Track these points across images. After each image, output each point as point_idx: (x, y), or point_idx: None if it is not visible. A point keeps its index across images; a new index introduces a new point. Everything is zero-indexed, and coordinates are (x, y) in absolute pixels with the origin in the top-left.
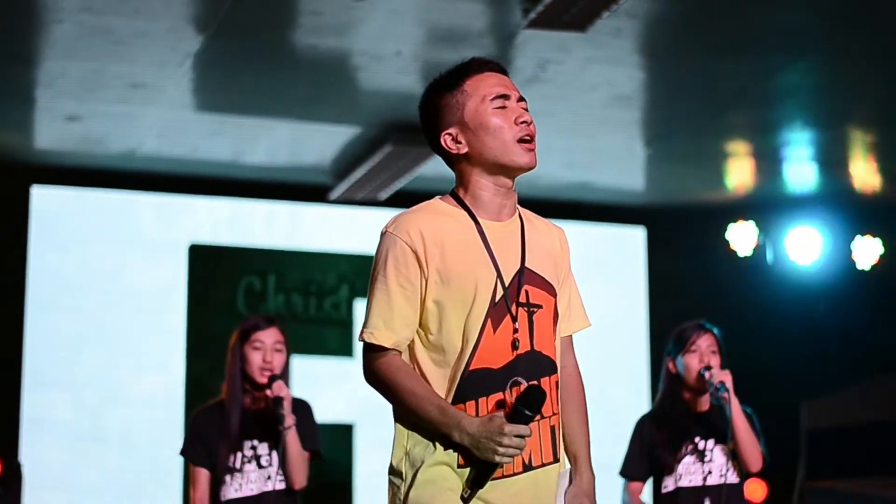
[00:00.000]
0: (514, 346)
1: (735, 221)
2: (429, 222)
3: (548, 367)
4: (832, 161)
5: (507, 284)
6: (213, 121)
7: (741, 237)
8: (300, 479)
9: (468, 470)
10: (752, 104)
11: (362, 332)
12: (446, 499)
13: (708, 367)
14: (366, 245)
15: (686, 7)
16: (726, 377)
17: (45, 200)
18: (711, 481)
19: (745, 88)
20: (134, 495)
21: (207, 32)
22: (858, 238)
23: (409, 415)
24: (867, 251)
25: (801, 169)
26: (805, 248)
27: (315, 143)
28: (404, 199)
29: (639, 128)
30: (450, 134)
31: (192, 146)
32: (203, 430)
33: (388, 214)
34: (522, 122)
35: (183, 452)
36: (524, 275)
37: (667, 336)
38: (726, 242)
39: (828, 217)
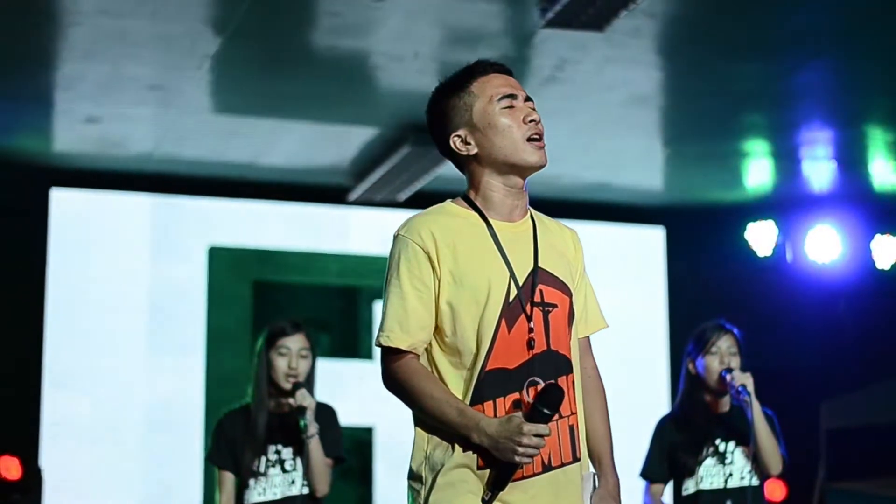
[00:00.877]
0: (530, 345)
1: (754, 221)
2: (440, 224)
3: (564, 366)
4: (851, 160)
5: (520, 284)
6: (231, 123)
7: (760, 237)
8: (322, 487)
9: (488, 471)
10: (771, 103)
11: (378, 336)
12: (467, 501)
13: (729, 370)
14: (386, 246)
15: (704, 7)
16: (748, 380)
17: (64, 203)
18: (732, 483)
19: (763, 87)
20: (153, 498)
21: (225, 34)
22: (878, 237)
23: (427, 418)
24: (887, 250)
25: (819, 168)
26: (824, 247)
27: (334, 144)
28: (424, 200)
29: (657, 128)
30: (459, 136)
31: (210, 148)
32: (229, 434)
33: (407, 215)
34: (531, 121)
35: (209, 457)
36: (538, 274)
37: (686, 336)
38: (745, 242)
39: (847, 216)
